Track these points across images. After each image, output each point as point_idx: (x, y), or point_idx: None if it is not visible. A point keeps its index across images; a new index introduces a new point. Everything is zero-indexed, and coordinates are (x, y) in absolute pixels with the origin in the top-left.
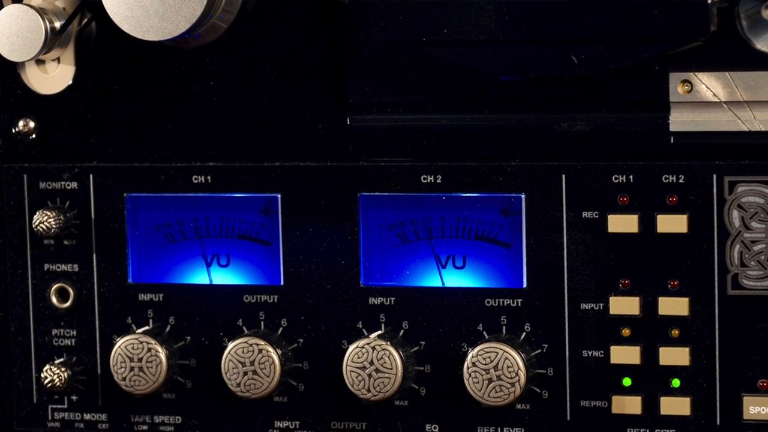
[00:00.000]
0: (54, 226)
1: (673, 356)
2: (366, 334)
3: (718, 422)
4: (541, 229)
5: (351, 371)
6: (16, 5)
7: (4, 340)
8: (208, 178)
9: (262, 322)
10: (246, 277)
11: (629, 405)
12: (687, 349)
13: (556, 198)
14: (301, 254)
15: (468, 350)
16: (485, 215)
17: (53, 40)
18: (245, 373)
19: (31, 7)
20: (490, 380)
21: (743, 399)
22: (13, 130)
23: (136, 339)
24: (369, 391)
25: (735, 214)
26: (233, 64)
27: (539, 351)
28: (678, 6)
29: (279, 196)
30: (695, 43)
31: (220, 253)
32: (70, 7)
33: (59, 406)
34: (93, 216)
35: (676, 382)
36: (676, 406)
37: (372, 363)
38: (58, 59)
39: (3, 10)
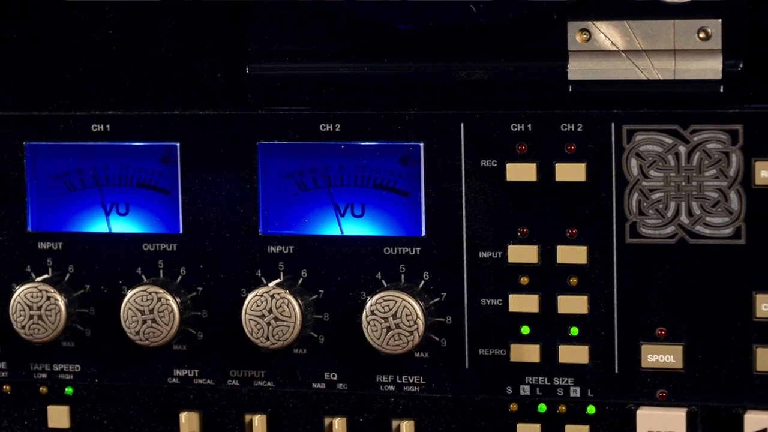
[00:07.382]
0: None
1: (572, 304)
2: (265, 282)
3: (616, 370)
4: (440, 177)
5: (250, 319)
6: None
7: None
8: (107, 126)
9: (161, 271)
10: (145, 225)
11: (527, 353)
12: (585, 298)
13: (455, 146)
14: (200, 203)
15: (367, 299)
16: (384, 164)
17: None
18: (144, 322)
19: None
20: (389, 328)
21: (641, 347)
22: None
23: (35, 287)
24: (268, 339)
25: (633, 162)
26: (132, 13)
27: (438, 299)
28: None
29: (178, 144)
30: None
31: (119, 201)
32: None
33: None
34: None
35: (574, 331)
36: (574, 354)
37: (271, 311)
38: None
39: None
